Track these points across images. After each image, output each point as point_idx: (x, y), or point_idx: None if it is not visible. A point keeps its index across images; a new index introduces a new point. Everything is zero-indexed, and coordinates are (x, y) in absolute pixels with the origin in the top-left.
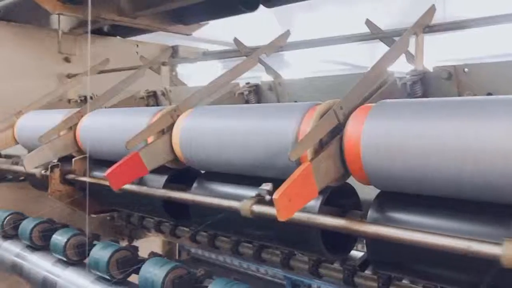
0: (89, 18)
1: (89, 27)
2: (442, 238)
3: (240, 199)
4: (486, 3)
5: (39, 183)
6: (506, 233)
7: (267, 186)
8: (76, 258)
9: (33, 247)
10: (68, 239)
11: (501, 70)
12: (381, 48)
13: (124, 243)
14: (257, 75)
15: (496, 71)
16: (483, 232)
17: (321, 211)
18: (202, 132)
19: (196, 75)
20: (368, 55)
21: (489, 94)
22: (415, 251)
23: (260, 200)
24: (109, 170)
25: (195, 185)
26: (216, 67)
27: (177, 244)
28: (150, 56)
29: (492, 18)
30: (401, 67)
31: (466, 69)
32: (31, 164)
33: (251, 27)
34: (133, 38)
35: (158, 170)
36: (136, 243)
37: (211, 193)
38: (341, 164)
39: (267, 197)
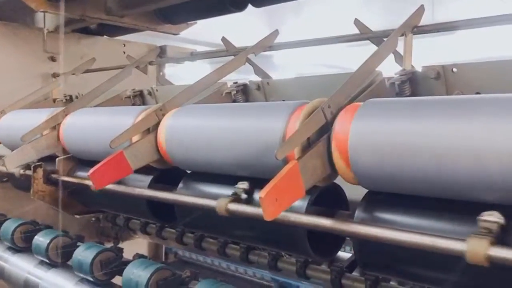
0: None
1: (62, 23)
2: (411, 235)
3: None
4: (475, 9)
5: (21, 184)
6: None
7: (243, 185)
8: (59, 259)
9: (15, 249)
10: (51, 241)
11: (489, 69)
12: (373, 51)
13: (109, 245)
14: (244, 77)
15: (484, 70)
16: (472, 232)
17: (308, 211)
18: (188, 131)
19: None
20: (360, 58)
21: (477, 93)
22: (403, 251)
23: (236, 198)
24: (92, 170)
25: (180, 185)
26: (205, 69)
27: (163, 246)
28: (137, 56)
29: (479, 20)
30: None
31: (454, 69)
32: (13, 164)
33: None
34: (120, 37)
35: (143, 170)
36: (122, 244)
37: (197, 193)
38: (329, 163)
39: (243, 196)
